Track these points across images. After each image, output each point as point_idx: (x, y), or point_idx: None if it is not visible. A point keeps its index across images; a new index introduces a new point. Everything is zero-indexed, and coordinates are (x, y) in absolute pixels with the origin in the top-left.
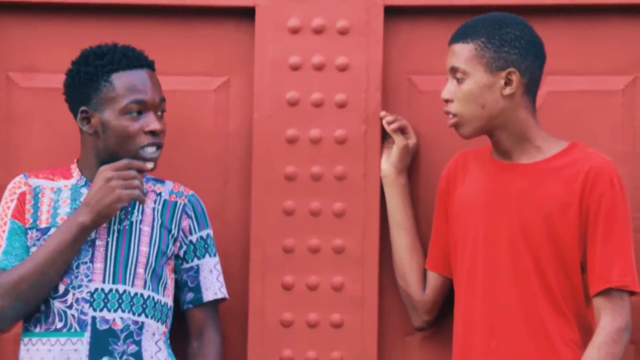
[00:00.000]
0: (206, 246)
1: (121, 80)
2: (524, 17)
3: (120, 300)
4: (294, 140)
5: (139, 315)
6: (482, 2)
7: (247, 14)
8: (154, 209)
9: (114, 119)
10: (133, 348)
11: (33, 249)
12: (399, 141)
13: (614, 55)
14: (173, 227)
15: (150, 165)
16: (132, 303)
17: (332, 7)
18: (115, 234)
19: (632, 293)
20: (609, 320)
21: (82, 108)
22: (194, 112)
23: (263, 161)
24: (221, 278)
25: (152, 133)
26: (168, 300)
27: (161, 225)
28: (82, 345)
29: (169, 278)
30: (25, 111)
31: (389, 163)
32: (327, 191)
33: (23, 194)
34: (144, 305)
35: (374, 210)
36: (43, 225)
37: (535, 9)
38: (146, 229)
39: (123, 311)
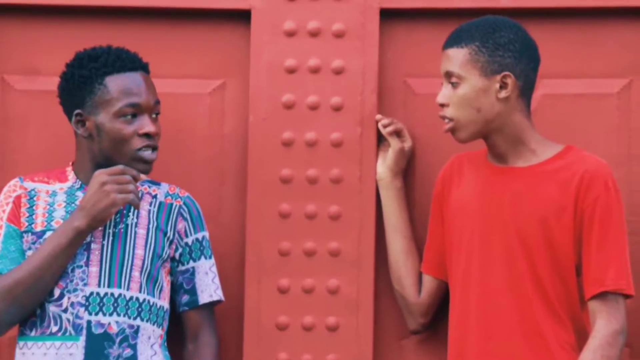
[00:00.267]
0: (202, 248)
1: (115, 83)
2: (520, 21)
3: (115, 304)
4: (289, 143)
5: (135, 319)
6: (478, 5)
7: (242, 16)
8: (149, 211)
9: (108, 121)
10: (128, 352)
11: (29, 253)
12: (394, 144)
13: (610, 58)
14: (169, 229)
15: (143, 176)
16: (127, 307)
17: (328, 10)
18: (111, 237)
19: (627, 296)
20: (604, 323)
21: (77, 111)
22: (190, 115)
23: (259, 164)
24: (217, 280)
25: (147, 135)
26: (164, 303)
27: (157, 227)
28: (77, 349)
29: (165, 281)
30: (21, 114)
31: (384, 166)
32: (322, 194)
33: (18, 197)
34: (140, 309)
35: (369, 213)
36: (38, 228)
37: (531, 12)
38: (142, 231)
39: (118, 315)
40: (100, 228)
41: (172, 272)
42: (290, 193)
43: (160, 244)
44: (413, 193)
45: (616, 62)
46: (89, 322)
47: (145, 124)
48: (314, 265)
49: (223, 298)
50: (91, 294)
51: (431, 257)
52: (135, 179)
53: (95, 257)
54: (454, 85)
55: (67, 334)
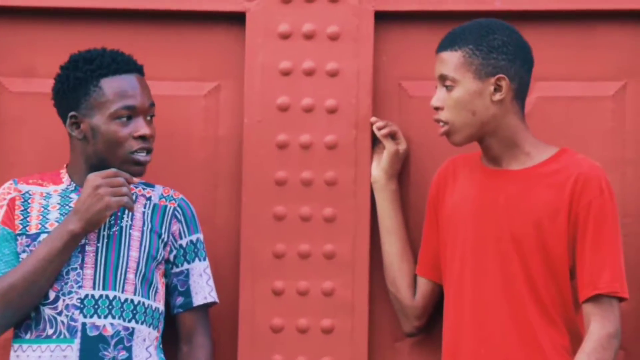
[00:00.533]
0: (196, 250)
1: (110, 85)
2: (514, 24)
3: (110, 307)
4: (284, 146)
5: (130, 321)
6: (472, 8)
7: (237, 19)
8: (143, 213)
9: (103, 124)
10: (123, 354)
11: (23, 255)
12: (389, 147)
13: (604, 61)
14: (163, 231)
15: (136, 180)
16: (122, 309)
17: (323, 12)
18: (105, 240)
19: (621, 299)
20: (598, 326)
21: (72, 113)
22: (184, 117)
23: (253, 166)
24: (211, 282)
25: (142, 138)
26: (159, 305)
27: (151, 229)
28: (71, 351)
29: (160, 283)
30: (15, 116)
31: (379, 168)
32: (317, 196)
33: (13, 200)
34: (135, 311)
35: (364, 215)
36: (33, 231)
37: (525, 15)
38: (136, 234)
39: (113, 317)
40: (94, 231)
41: (166, 274)
42: (284, 195)
43: (154, 246)
44: (408, 195)
45: (611, 65)
46: (83, 324)
47: (140, 127)
48: (309, 267)
49: (217, 300)
50: (86, 296)
51: (426, 259)
52: (129, 182)
53: (90, 259)
54: (449, 89)
55: (62, 336)
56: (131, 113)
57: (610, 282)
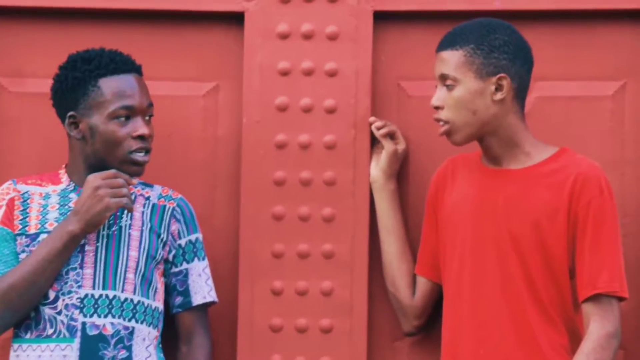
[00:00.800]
0: (195, 250)
1: (109, 85)
2: (513, 23)
3: (110, 306)
4: (283, 146)
5: (129, 320)
6: (472, 8)
7: (236, 19)
8: (142, 213)
9: (101, 123)
10: (123, 353)
11: (22, 255)
12: (388, 146)
13: (604, 61)
14: (162, 231)
15: (135, 181)
16: (122, 308)
17: (322, 12)
18: (105, 239)
19: (620, 299)
20: (597, 326)
21: (70, 113)
22: (183, 118)
23: (252, 166)
24: (210, 282)
25: (140, 138)
26: (159, 304)
27: (150, 229)
28: (71, 351)
29: (159, 282)
30: (15, 116)
31: (378, 168)
32: (316, 196)
33: (12, 200)
34: (134, 311)
35: (363, 215)
36: (32, 231)
37: (524, 15)
38: (135, 233)
39: (113, 317)
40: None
41: (165, 274)
42: (283, 195)
43: (153, 246)
44: (407, 195)
45: (610, 64)
46: (83, 323)
47: (139, 126)
48: (308, 267)
49: (217, 299)
50: (86, 295)
51: (425, 259)
52: (128, 183)
53: (89, 259)
54: (449, 88)
55: (62, 336)
56: (129, 113)
57: (610, 281)
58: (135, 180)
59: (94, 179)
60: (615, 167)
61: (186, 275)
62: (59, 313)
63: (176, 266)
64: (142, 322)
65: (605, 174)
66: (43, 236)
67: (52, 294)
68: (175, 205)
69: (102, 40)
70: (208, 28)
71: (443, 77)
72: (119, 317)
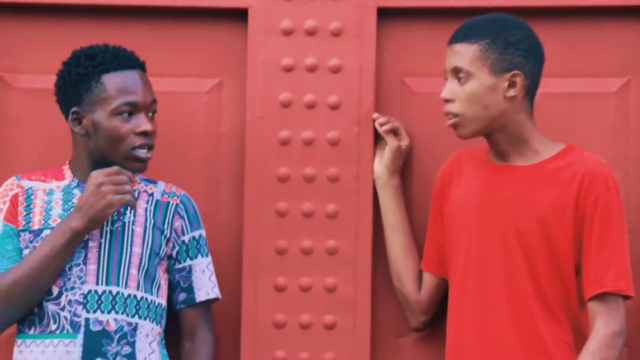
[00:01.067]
0: (198, 246)
1: (112, 81)
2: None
3: (113, 302)
4: (286, 142)
5: (133, 316)
6: (475, 4)
7: (239, 15)
8: (146, 210)
9: (105, 119)
10: (127, 349)
11: (26, 251)
12: (391, 143)
13: (608, 58)
14: (165, 227)
15: (137, 179)
16: (125, 304)
17: (325, 8)
18: (108, 235)
19: (627, 297)
20: (603, 324)
21: (74, 109)
22: (186, 114)
23: (256, 163)
24: (213, 278)
25: (143, 134)
26: (162, 300)
27: (153, 225)
28: (75, 346)
29: (162, 278)
30: (19, 112)
31: (381, 165)
32: (320, 193)
33: (15, 196)
34: (138, 307)
35: (366, 211)
36: (36, 227)
37: (528, 11)
38: (139, 229)
39: (117, 313)
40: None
41: (169, 270)
42: (287, 191)
43: (157, 242)
44: (410, 191)
45: (614, 61)
46: (87, 319)
47: (142, 123)
48: (311, 263)
49: (220, 296)
50: (89, 291)
51: (431, 254)
52: (132, 180)
53: (92, 255)
54: (461, 81)
55: (65, 331)
56: (132, 109)
57: (616, 280)
58: (138, 178)
59: (97, 175)
60: (619, 164)
61: (190, 271)
62: (63, 309)
63: (180, 262)
64: (145, 318)
65: (613, 171)
66: (46, 232)
67: (55, 290)
68: (178, 201)
69: (105, 37)
70: (212, 24)
71: (455, 70)
72: (122, 313)
